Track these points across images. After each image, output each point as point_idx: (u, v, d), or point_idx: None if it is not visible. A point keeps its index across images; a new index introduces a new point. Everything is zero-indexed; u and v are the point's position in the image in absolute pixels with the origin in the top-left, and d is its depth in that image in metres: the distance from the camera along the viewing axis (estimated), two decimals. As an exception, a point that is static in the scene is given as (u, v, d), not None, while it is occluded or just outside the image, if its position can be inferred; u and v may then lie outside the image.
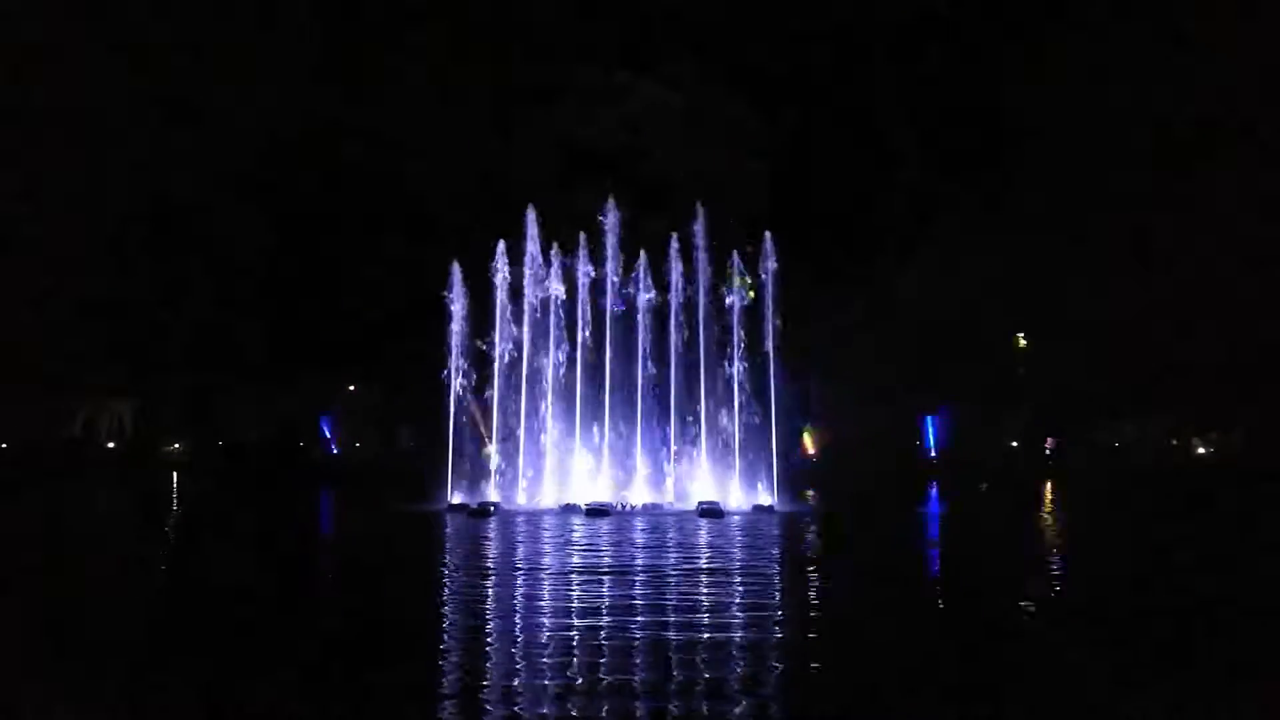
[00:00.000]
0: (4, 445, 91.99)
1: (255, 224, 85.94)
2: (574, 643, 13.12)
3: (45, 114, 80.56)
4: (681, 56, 51.04)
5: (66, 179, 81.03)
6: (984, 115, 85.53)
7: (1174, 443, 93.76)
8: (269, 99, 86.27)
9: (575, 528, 31.31)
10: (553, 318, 45.75)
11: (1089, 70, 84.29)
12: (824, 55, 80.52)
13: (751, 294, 44.21)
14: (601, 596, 17.30)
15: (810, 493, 49.50)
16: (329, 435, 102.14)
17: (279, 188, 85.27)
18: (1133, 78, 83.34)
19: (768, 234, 44.66)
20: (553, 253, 46.05)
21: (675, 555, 23.70)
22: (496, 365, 45.02)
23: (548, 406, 45.28)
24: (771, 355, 44.06)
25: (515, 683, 11.12)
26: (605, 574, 20.17)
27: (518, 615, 15.83)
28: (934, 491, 54.50)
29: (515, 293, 45.80)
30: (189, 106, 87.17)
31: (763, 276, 44.44)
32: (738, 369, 44.23)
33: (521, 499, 43.47)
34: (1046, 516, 38.78)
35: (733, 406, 44.21)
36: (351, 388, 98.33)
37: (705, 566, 21.73)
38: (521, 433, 44.68)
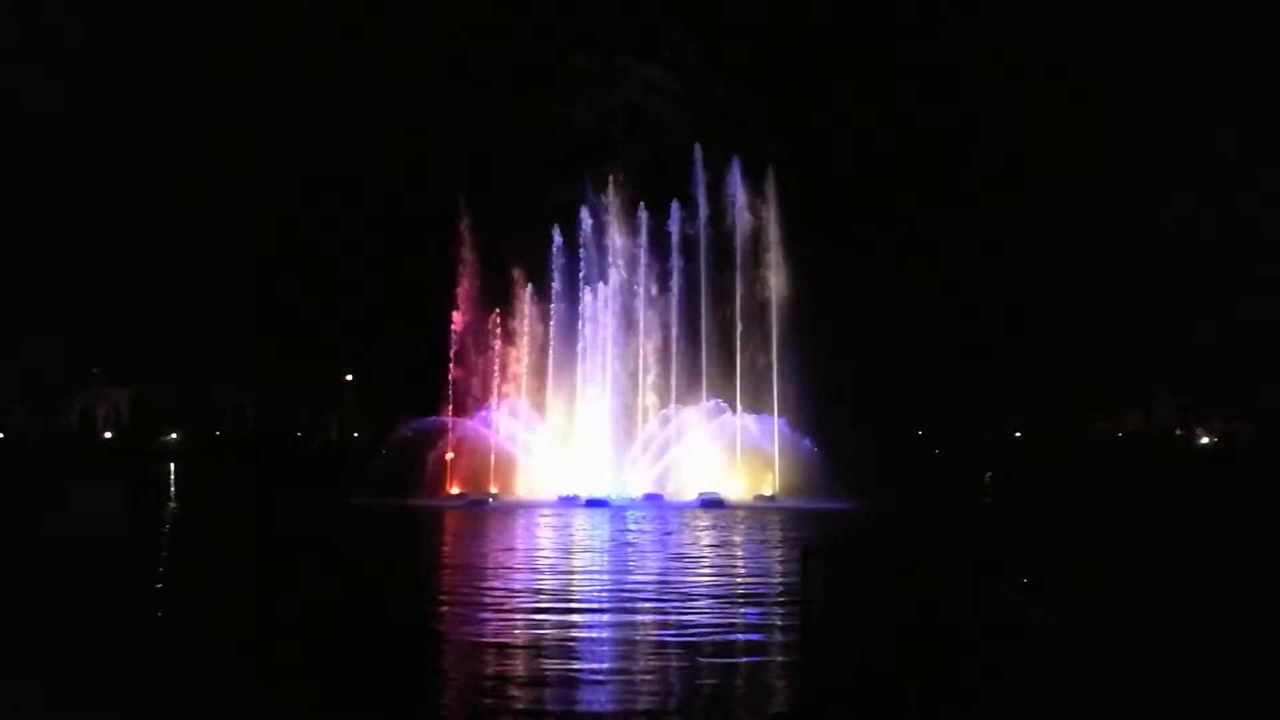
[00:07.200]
0: (0, 435, 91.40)
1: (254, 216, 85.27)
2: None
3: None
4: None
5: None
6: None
7: (1177, 432, 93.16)
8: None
9: (571, 526, 30.69)
10: (552, 308, 45.17)
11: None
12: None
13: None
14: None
15: (816, 485, 48.62)
16: (326, 425, 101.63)
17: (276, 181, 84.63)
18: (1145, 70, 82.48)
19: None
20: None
21: (685, 569, 20.87)
22: (498, 356, 44.56)
23: (548, 397, 44.79)
24: (775, 346, 43.57)
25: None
26: (596, 611, 15.93)
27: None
28: (943, 485, 53.50)
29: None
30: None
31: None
32: (739, 360, 43.69)
33: (520, 491, 42.95)
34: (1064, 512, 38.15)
35: (735, 395, 43.65)
36: (349, 377, 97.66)
37: (727, 593, 17.72)
38: (522, 423, 44.13)
